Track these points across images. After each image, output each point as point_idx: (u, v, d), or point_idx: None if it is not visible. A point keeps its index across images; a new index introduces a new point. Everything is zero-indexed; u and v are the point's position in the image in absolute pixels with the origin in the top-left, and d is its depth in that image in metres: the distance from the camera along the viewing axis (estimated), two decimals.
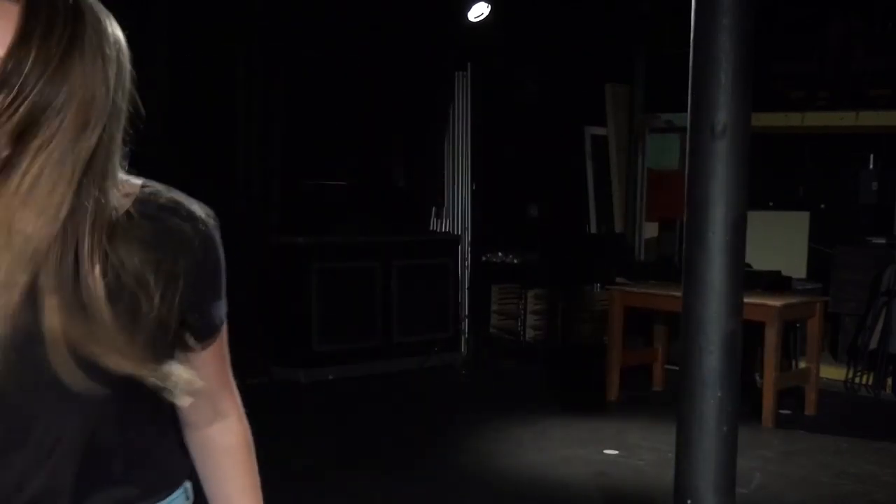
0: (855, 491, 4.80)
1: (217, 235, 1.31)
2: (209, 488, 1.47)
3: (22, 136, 1.15)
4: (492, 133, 8.14)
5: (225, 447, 1.45)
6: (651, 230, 8.82)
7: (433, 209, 8.11)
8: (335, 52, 7.26)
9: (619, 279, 7.61)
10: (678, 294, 3.06)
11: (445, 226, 8.08)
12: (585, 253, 8.64)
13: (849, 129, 7.73)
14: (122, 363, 1.20)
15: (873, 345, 6.93)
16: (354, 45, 7.32)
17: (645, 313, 6.89)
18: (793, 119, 7.83)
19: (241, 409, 1.47)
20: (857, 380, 6.98)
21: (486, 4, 7.42)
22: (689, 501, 2.92)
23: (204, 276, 1.30)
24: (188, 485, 1.42)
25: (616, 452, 5.33)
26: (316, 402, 6.40)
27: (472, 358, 7.65)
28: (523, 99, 8.63)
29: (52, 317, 1.16)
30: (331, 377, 6.82)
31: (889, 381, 6.93)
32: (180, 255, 1.25)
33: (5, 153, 1.15)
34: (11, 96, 1.14)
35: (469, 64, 7.96)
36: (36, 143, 1.15)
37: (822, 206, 8.20)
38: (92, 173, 1.18)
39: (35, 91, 1.14)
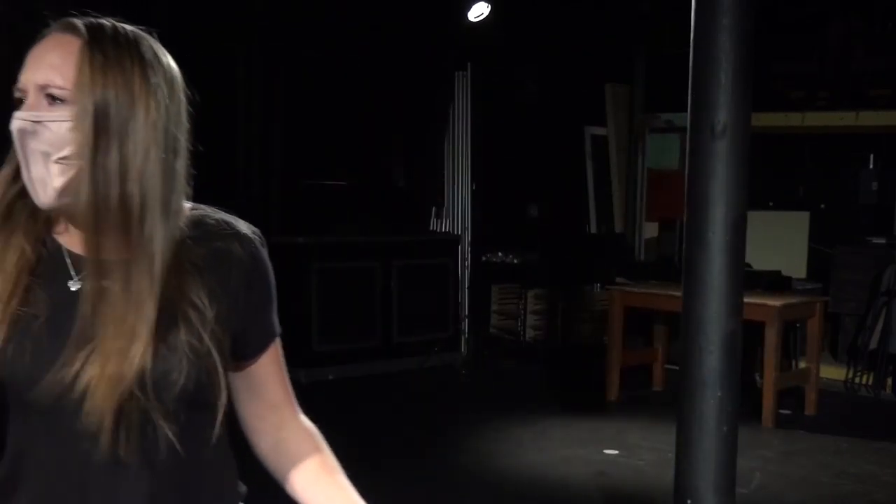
0: (855, 491, 4.80)
1: (265, 252, 1.40)
2: (293, 480, 1.47)
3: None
4: (492, 133, 8.14)
5: (299, 440, 1.47)
6: (651, 230, 8.82)
7: (433, 209, 8.11)
8: (335, 52, 7.26)
9: (619, 279, 7.61)
10: (678, 294, 3.06)
11: (445, 226, 8.08)
12: (585, 253, 8.64)
13: (849, 129, 7.73)
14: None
15: (873, 345, 6.93)
16: (354, 45, 7.32)
17: (645, 313, 6.88)
18: (793, 119, 7.83)
19: (306, 421, 1.52)
20: (857, 380, 6.98)
21: (486, 4, 7.42)
22: (689, 501, 2.92)
23: (255, 291, 1.38)
24: None
25: (616, 452, 5.33)
26: (316, 402, 6.35)
27: (472, 358, 7.65)
28: (523, 99, 8.63)
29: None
30: (331, 377, 6.82)
31: (889, 381, 6.92)
32: (231, 275, 1.34)
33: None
34: (115, 130, 1.23)
35: (469, 64, 7.96)
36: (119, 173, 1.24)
37: (822, 206, 8.19)
38: (160, 201, 1.26)
39: (123, 123, 1.23)
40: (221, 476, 1.42)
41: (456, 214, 8.06)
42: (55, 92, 1.23)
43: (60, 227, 1.32)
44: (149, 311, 1.23)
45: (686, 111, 2.92)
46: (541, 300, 8.07)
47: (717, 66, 2.81)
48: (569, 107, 8.70)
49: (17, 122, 1.23)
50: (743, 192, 2.87)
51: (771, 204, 8.29)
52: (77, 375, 1.22)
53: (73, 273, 1.29)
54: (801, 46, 8.05)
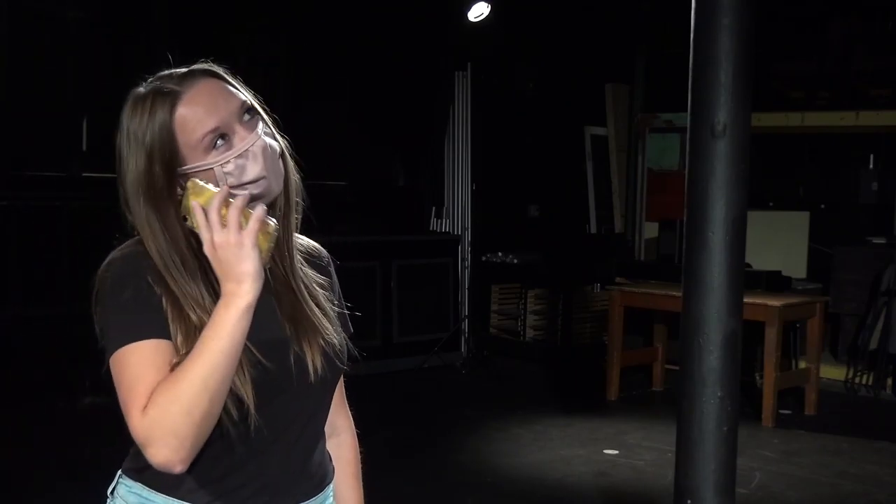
0: (855, 491, 4.80)
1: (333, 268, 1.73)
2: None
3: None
4: (492, 133, 8.14)
5: (338, 458, 1.68)
6: (651, 230, 8.82)
7: (433, 209, 8.11)
8: (335, 51, 7.26)
9: (619, 279, 7.61)
10: (678, 294, 3.06)
11: (445, 226, 8.08)
12: (585, 253, 8.64)
13: (849, 129, 7.73)
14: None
15: (873, 345, 6.93)
16: (355, 45, 7.32)
17: (645, 313, 6.88)
18: (793, 119, 7.83)
19: (354, 428, 1.76)
20: (857, 380, 6.98)
21: (486, 4, 7.41)
22: (689, 501, 2.92)
23: (335, 293, 1.67)
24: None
25: (616, 452, 5.33)
26: None
27: (472, 358, 7.65)
28: (523, 99, 8.63)
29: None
30: None
31: (889, 381, 6.92)
32: (326, 276, 1.66)
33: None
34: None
35: (469, 64, 7.96)
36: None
37: (822, 206, 8.19)
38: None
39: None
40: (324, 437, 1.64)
41: (456, 214, 8.06)
42: (249, 105, 1.48)
43: None
44: (315, 297, 1.55)
45: (686, 111, 2.92)
46: (541, 300, 8.07)
47: (717, 66, 2.81)
48: (569, 107, 8.70)
49: (261, 140, 1.47)
50: (743, 191, 2.87)
51: (771, 204, 8.29)
52: (292, 350, 1.47)
53: None
54: (802, 46, 8.05)
